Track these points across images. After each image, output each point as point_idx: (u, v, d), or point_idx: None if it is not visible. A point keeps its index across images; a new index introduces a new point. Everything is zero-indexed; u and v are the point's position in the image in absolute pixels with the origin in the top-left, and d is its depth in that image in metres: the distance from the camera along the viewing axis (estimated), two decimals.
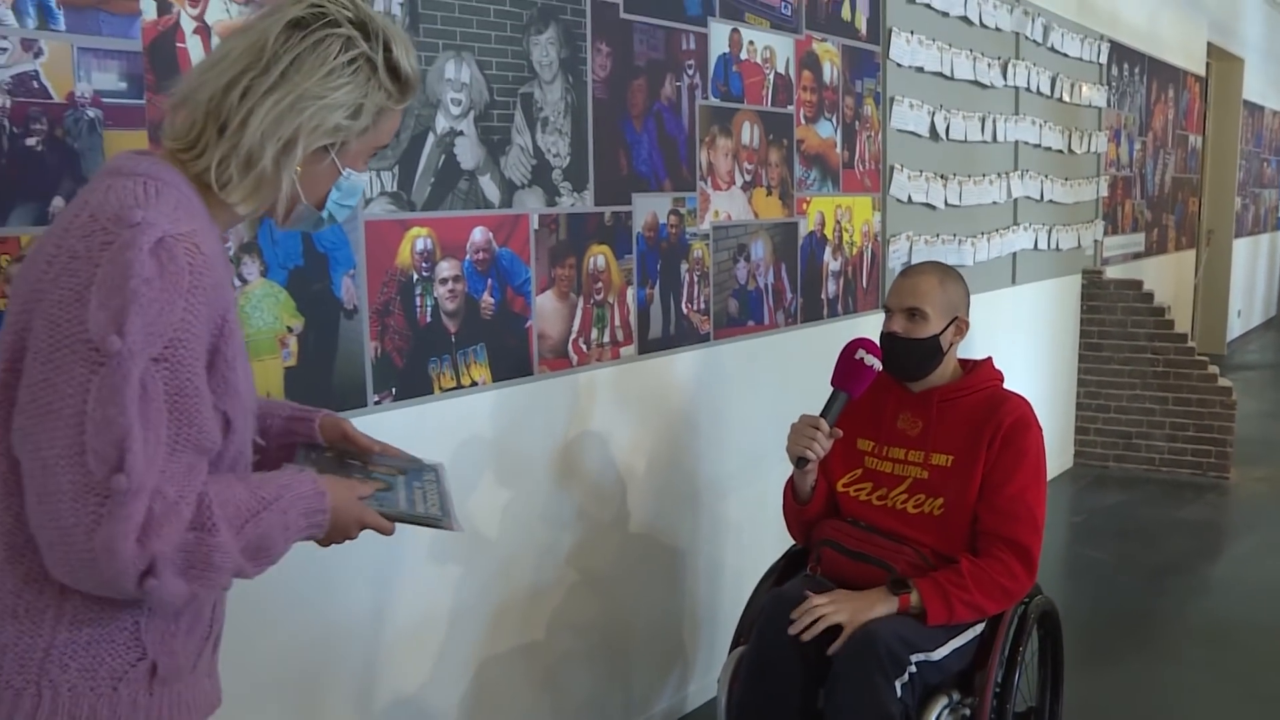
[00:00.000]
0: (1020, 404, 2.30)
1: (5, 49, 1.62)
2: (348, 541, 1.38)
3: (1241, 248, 10.39)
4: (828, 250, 3.59)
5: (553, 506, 2.68)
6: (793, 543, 2.54)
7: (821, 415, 2.21)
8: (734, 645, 2.36)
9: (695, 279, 3.02)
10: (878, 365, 2.19)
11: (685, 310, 3.00)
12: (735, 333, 3.20)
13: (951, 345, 2.32)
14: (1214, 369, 5.70)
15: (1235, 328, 10.53)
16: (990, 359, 2.41)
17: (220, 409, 1.22)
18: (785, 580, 2.42)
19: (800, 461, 2.24)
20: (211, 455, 1.22)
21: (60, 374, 1.11)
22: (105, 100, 1.75)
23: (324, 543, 1.36)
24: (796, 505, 2.38)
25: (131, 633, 1.22)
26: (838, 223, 3.63)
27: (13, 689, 1.18)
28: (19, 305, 1.17)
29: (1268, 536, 4.83)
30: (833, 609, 2.10)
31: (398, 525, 1.43)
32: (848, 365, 2.22)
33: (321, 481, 1.32)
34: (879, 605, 2.12)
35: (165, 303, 1.13)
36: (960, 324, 2.32)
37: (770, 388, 3.37)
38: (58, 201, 1.69)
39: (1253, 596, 4.08)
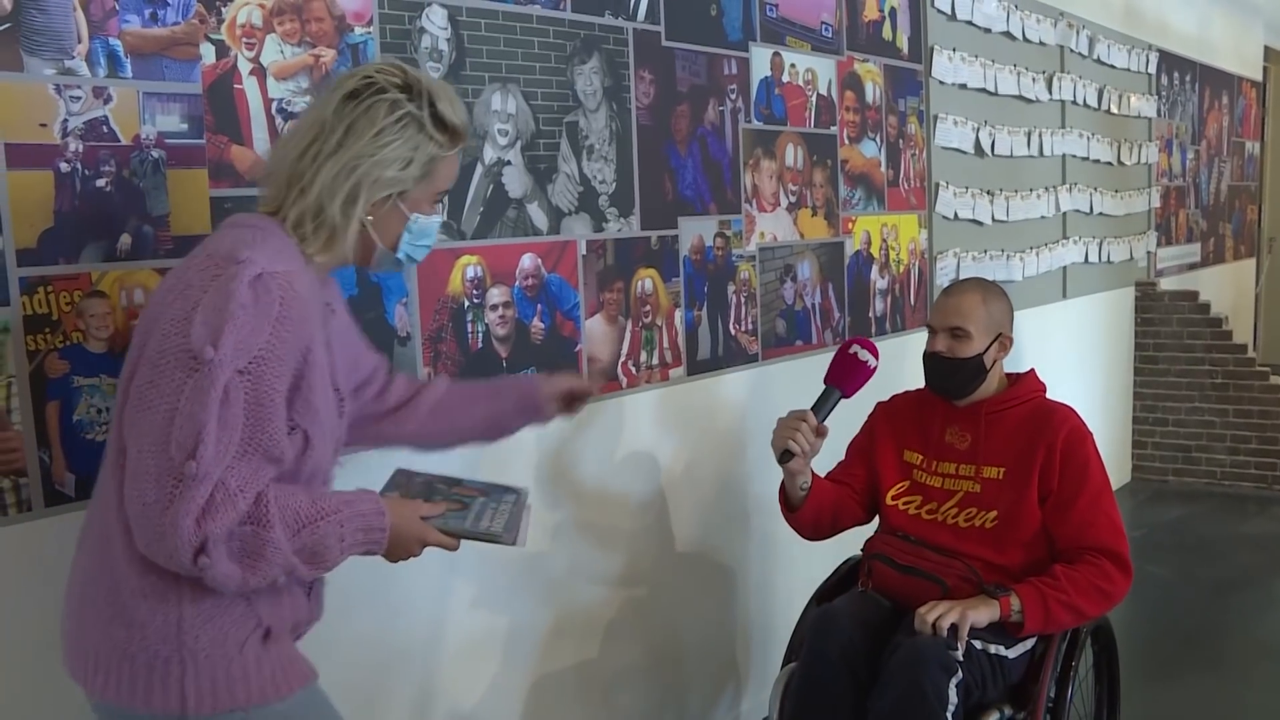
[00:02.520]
0: (1069, 414, 2.30)
1: (79, 97, 1.71)
2: (413, 558, 1.54)
3: None
4: (874, 269, 3.60)
5: (605, 527, 2.72)
6: (843, 559, 2.56)
7: (812, 410, 2.20)
8: (785, 662, 2.37)
9: (742, 300, 3.06)
10: (873, 362, 2.18)
11: (733, 331, 3.03)
12: (783, 353, 3.23)
13: (995, 362, 2.32)
14: (1276, 379, 5.60)
15: None
16: (1033, 370, 2.42)
17: (301, 427, 1.42)
18: (835, 596, 2.43)
19: (785, 455, 2.21)
20: (282, 465, 1.39)
21: (163, 376, 1.33)
22: (168, 141, 1.83)
23: (390, 558, 1.52)
24: (787, 513, 2.38)
25: (246, 604, 1.43)
26: (884, 241, 3.64)
27: (161, 658, 1.39)
28: (144, 325, 1.40)
29: None
30: (944, 610, 2.05)
31: (464, 544, 1.56)
32: (843, 361, 2.21)
33: (384, 502, 1.48)
34: (982, 610, 2.08)
35: (255, 326, 1.34)
36: (1004, 340, 2.32)
37: None
38: (125, 239, 1.77)
39: None
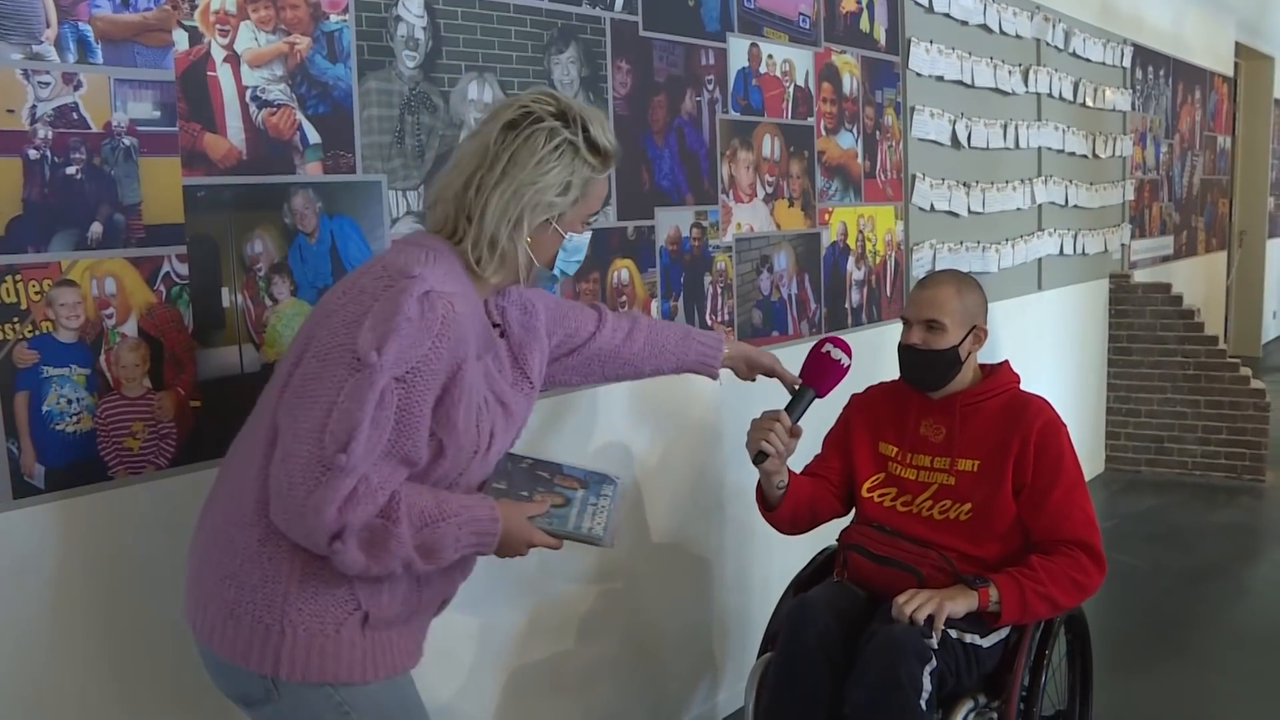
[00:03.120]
0: (1043, 406, 2.32)
1: (48, 83, 1.69)
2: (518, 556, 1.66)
3: (1275, 248, 10.28)
4: (851, 260, 3.61)
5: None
6: (819, 549, 2.57)
7: (786, 410, 2.19)
8: (761, 652, 2.38)
9: (719, 291, 3.06)
10: (846, 360, 2.16)
11: (709, 322, 3.03)
12: (760, 343, 3.22)
13: (970, 354, 2.34)
14: (1246, 371, 5.66)
15: (1270, 329, 10.42)
16: (1007, 362, 2.43)
17: (437, 436, 1.52)
18: (811, 586, 2.44)
19: (759, 456, 2.21)
20: (416, 468, 1.51)
21: (328, 370, 1.44)
22: (140, 129, 1.81)
23: (499, 556, 1.63)
24: (765, 511, 2.39)
25: (348, 588, 1.52)
26: (860, 232, 3.65)
27: (263, 624, 1.50)
28: (313, 320, 1.53)
29: None
30: (923, 601, 2.07)
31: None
32: (816, 360, 2.19)
33: (499, 508, 1.59)
34: (959, 601, 2.10)
35: (417, 339, 1.45)
36: (979, 332, 2.33)
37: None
38: (96, 227, 1.75)
39: None
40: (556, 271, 1.69)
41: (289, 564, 1.50)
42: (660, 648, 3.00)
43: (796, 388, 2.21)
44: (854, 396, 2.56)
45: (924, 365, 2.32)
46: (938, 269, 2.41)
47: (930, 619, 2.05)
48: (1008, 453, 2.25)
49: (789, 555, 2.99)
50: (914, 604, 2.07)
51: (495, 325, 1.71)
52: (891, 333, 3.81)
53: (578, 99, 2.56)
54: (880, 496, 2.36)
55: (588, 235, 1.70)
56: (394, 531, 1.46)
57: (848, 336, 3.59)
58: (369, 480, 1.43)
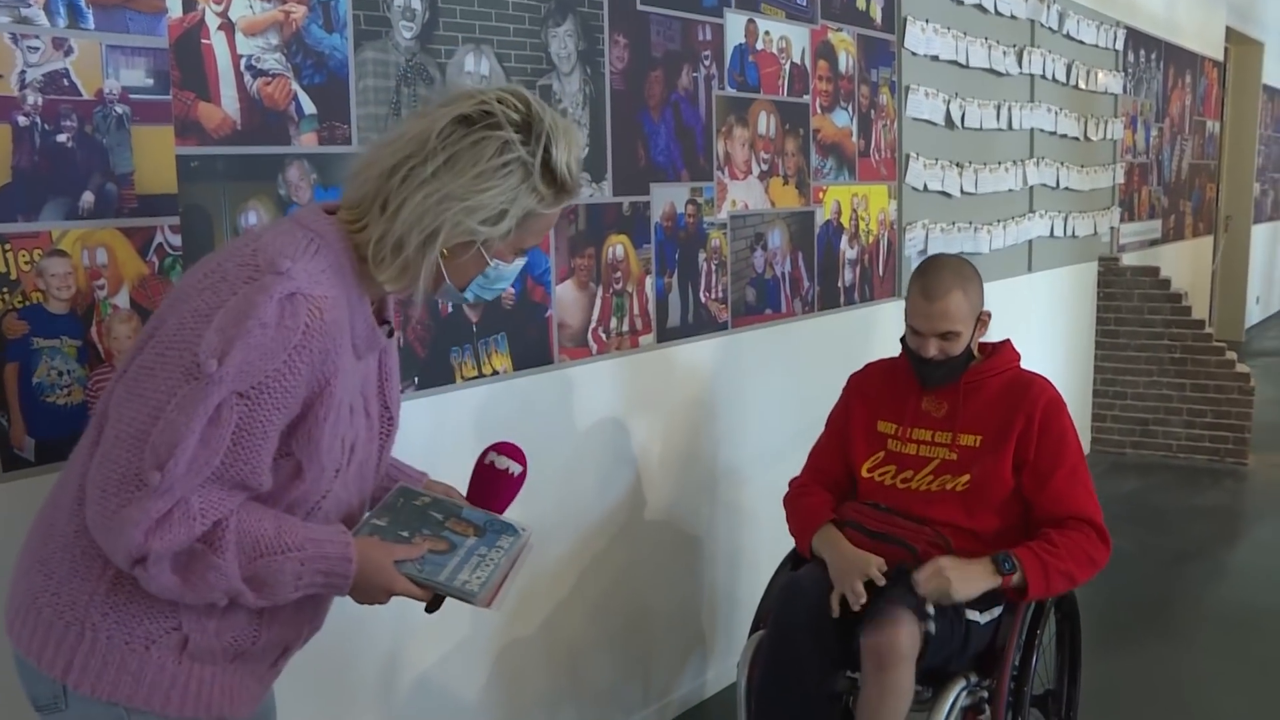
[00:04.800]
0: (1046, 385, 2.33)
1: (37, 48, 1.66)
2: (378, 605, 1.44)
3: (1260, 234, 10.33)
4: (844, 238, 3.60)
5: (572, 493, 2.71)
6: None
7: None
8: (753, 630, 2.38)
9: (713, 268, 3.04)
10: (516, 468, 1.68)
11: (703, 299, 3.02)
12: (753, 321, 3.22)
13: (977, 340, 2.34)
14: (1231, 355, 5.69)
15: (1254, 314, 10.48)
16: (1009, 341, 2.43)
17: (295, 456, 1.34)
18: (802, 564, 2.44)
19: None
20: (259, 491, 1.32)
21: (164, 368, 1.25)
22: (132, 96, 1.77)
23: (355, 599, 1.42)
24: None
25: (171, 605, 1.32)
26: (854, 211, 3.64)
27: (63, 621, 1.32)
28: (170, 300, 1.33)
29: None
30: (952, 577, 2.08)
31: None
32: (481, 476, 1.67)
33: (356, 546, 1.38)
34: (982, 581, 2.11)
35: (269, 350, 1.25)
36: (984, 318, 2.33)
37: (788, 375, 3.39)
38: (87, 196, 1.72)
39: (1273, 582, 4.08)
40: (469, 296, 1.44)
41: (104, 561, 1.31)
42: (651, 624, 3.00)
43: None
44: (852, 376, 2.55)
45: (944, 373, 2.31)
46: (932, 259, 2.36)
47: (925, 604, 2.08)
48: (1011, 428, 2.26)
49: (780, 533, 2.99)
50: (934, 585, 2.08)
51: (385, 323, 1.47)
52: (883, 312, 3.84)
53: (573, 73, 2.56)
54: (881, 475, 2.36)
55: (518, 265, 1.44)
56: (215, 561, 1.27)
57: (841, 315, 3.61)
58: (189, 506, 1.25)
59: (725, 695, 3.21)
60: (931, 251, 4.10)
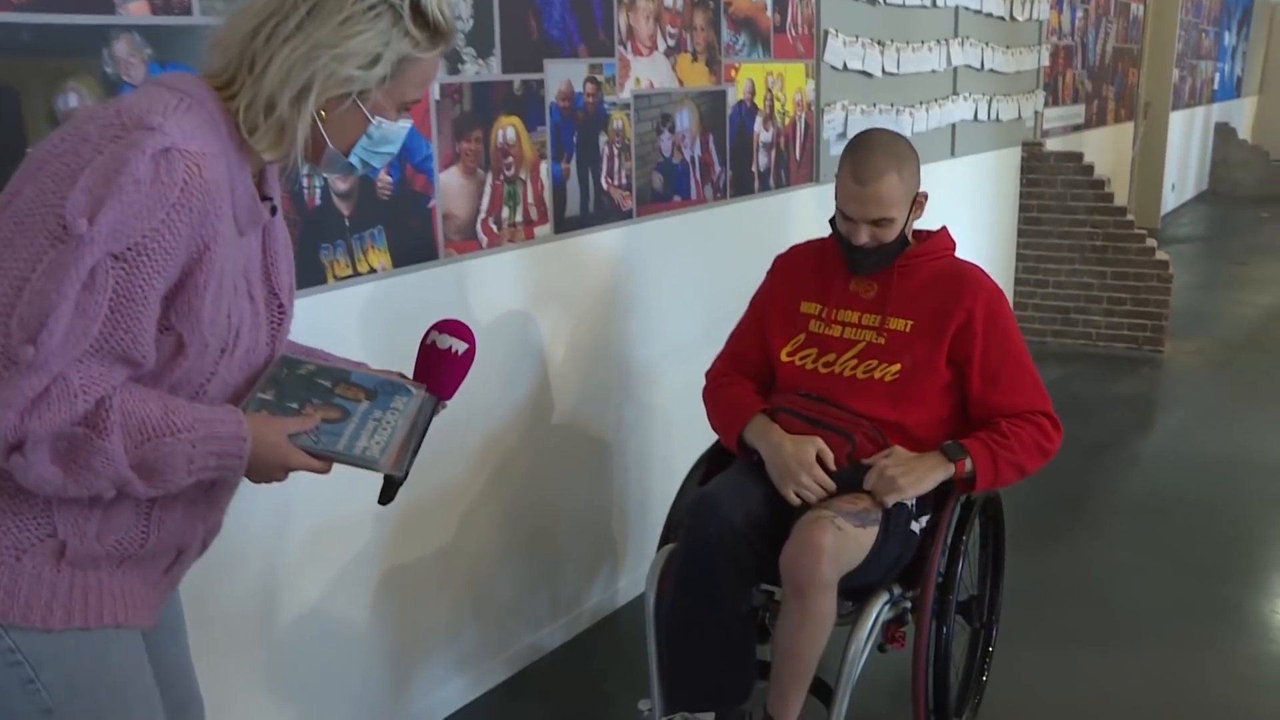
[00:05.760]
0: (984, 276, 2.17)
1: None
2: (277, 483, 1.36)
3: (1177, 120, 10.30)
4: (758, 120, 3.38)
5: (467, 400, 2.49)
6: None
7: (410, 433, 1.46)
8: (662, 542, 2.23)
9: (615, 152, 2.80)
10: (460, 346, 1.58)
11: (605, 186, 2.79)
12: (660, 209, 3.00)
13: (912, 223, 2.16)
14: (1152, 242, 5.63)
15: (1169, 201, 10.52)
16: (945, 228, 2.25)
17: (176, 330, 1.22)
18: (715, 470, 2.28)
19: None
20: (142, 368, 1.20)
21: (24, 237, 1.12)
22: None
23: (251, 481, 1.34)
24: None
25: (43, 507, 1.21)
26: (769, 91, 3.41)
27: None
28: (22, 172, 1.17)
29: (1199, 410, 4.84)
30: (900, 474, 2.00)
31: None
32: (426, 357, 1.58)
33: (249, 423, 1.28)
34: (934, 474, 2.02)
35: (145, 208, 1.13)
36: (920, 200, 2.14)
37: (698, 267, 3.19)
38: None
39: (1184, 470, 4.08)
40: (355, 161, 1.34)
41: None
42: (558, 534, 2.84)
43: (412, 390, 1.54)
44: (778, 257, 2.36)
45: (876, 259, 2.13)
46: (865, 136, 2.13)
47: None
48: (948, 321, 2.10)
49: (692, 433, 2.83)
50: (895, 473, 1.99)
51: (266, 199, 1.37)
52: (800, 198, 3.64)
53: None
54: (802, 359, 2.19)
55: (404, 126, 1.35)
56: (101, 445, 1.16)
57: (754, 202, 3.40)
58: (68, 381, 1.13)
59: (637, 604, 3.07)
60: (851, 134, 3.90)
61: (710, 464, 2.34)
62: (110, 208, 1.11)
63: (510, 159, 2.50)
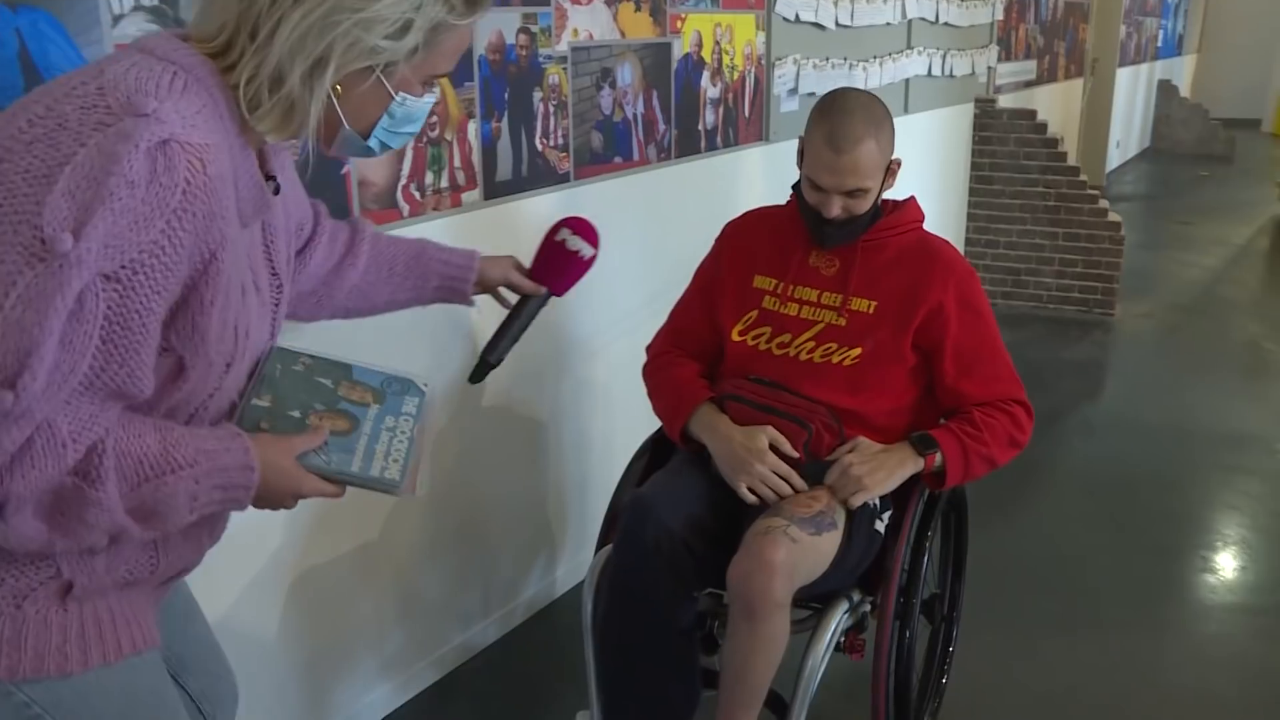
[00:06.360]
0: (954, 254, 2.00)
1: None
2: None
3: (1123, 77, 10.23)
4: (705, 75, 3.15)
5: None
6: None
7: (511, 318, 1.64)
8: (600, 542, 2.04)
9: (551, 110, 2.57)
10: (588, 251, 1.62)
11: (540, 146, 2.56)
12: (600, 171, 2.78)
13: (884, 192, 1.97)
14: (1104, 203, 5.52)
15: (1114, 158, 10.47)
16: (914, 198, 2.06)
17: (177, 352, 1.05)
18: (661, 457, 2.10)
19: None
20: (136, 401, 1.03)
21: None
22: None
23: (258, 507, 1.19)
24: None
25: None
26: (717, 44, 3.18)
27: None
28: None
29: (1151, 377, 4.77)
30: (864, 472, 1.82)
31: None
32: (550, 253, 1.63)
33: (255, 450, 1.12)
34: (908, 466, 1.86)
35: (143, 216, 0.95)
36: (894, 168, 1.95)
37: (641, 233, 2.98)
38: None
39: (1137, 441, 4.00)
40: (373, 144, 1.16)
41: None
42: (488, 524, 2.64)
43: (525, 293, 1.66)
44: (728, 225, 2.16)
45: (846, 233, 1.94)
46: (839, 97, 1.90)
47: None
48: (916, 306, 1.91)
49: (632, 414, 2.64)
50: (860, 471, 1.82)
51: (270, 179, 1.20)
52: (750, 158, 3.43)
53: None
54: (754, 339, 1.99)
55: (429, 101, 1.17)
56: (94, 496, 0.99)
57: (701, 162, 3.18)
58: (54, 430, 0.96)
59: (577, 593, 2.89)
60: (803, 91, 3.69)
61: (655, 450, 2.15)
62: (100, 218, 0.92)
63: (434, 118, 2.26)
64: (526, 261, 1.69)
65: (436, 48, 1.11)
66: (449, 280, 1.60)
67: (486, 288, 1.65)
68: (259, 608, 2.08)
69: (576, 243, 1.59)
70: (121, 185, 0.93)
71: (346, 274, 1.52)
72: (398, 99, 1.12)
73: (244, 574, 2.04)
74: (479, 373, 1.51)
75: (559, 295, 1.63)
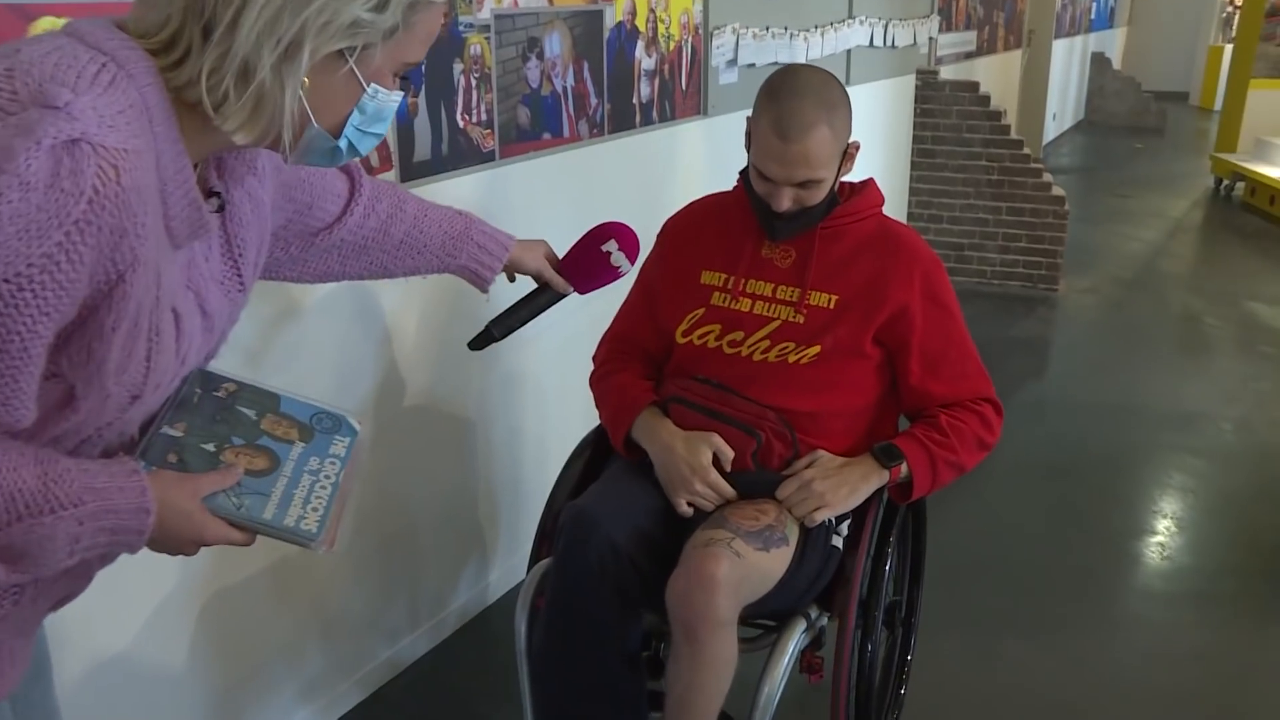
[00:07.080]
0: (919, 244, 1.84)
1: None
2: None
3: (1059, 49, 10.22)
4: (640, 45, 2.97)
5: (297, 382, 2.07)
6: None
7: (526, 305, 1.66)
8: (534, 557, 1.87)
9: (473, 83, 2.37)
10: (626, 266, 1.64)
11: (461, 123, 2.36)
12: (527, 148, 2.59)
13: (840, 179, 1.80)
14: (1048, 177, 5.44)
15: (1050, 130, 10.48)
16: (873, 180, 1.89)
17: (68, 380, 0.94)
18: (599, 460, 1.93)
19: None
20: (12, 430, 0.92)
21: None
22: None
23: (155, 551, 1.06)
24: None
25: None
26: (651, 11, 3.00)
27: None
28: None
29: (1097, 354, 4.72)
30: (826, 489, 1.69)
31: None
32: (589, 256, 1.65)
33: (154, 490, 0.99)
34: (872, 480, 1.73)
35: (37, 224, 0.83)
36: (851, 152, 1.78)
37: (572, 214, 2.79)
38: None
39: (1084, 421, 3.93)
40: (342, 144, 1.04)
41: None
42: (416, 533, 2.45)
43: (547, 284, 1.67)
44: (667, 222, 1.98)
45: (799, 224, 1.77)
46: (788, 75, 1.72)
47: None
48: (881, 298, 1.76)
49: (567, 404, 2.47)
50: (822, 487, 1.69)
51: (213, 195, 1.08)
52: (686, 133, 3.26)
53: None
54: (701, 337, 1.82)
55: (399, 96, 1.05)
56: None
57: (636, 138, 3.00)
58: None
59: (510, 600, 2.71)
60: (743, 61, 3.52)
61: (594, 452, 1.98)
62: None
63: None
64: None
65: (412, 28, 1.01)
66: (475, 263, 1.56)
67: (511, 272, 1.64)
68: (167, 634, 1.89)
69: (620, 258, 1.62)
70: (14, 186, 0.81)
71: (376, 243, 1.47)
72: (369, 90, 1.01)
73: (150, 598, 1.84)
74: (480, 342, 1.59)
75: (581, 294, 1.67)
